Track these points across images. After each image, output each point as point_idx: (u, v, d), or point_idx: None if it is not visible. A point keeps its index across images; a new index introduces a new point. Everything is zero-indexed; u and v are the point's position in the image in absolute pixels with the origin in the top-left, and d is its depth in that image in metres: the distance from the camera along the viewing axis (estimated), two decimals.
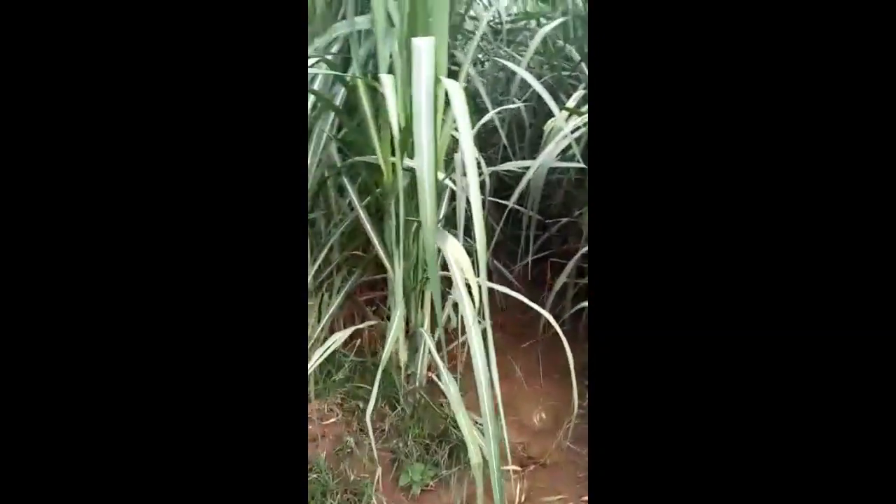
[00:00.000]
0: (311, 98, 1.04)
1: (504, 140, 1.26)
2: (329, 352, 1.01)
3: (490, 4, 1.59)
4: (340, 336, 1.06)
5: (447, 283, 1.19)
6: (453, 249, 0.79)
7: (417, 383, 1.16)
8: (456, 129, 0.78)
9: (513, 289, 1.07)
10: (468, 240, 1.04)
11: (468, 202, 1.01)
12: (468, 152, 0.60)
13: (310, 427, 1.15)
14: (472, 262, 0.84)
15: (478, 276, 0.64)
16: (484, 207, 1.09)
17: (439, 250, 0.81)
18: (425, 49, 0.64)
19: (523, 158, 1.40)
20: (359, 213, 1.14)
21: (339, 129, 1.20)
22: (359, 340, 1.35)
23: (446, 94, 0.77)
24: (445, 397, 1.14)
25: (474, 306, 0.81)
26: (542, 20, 1.48)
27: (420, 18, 0.84)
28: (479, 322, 0.80)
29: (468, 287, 0.83)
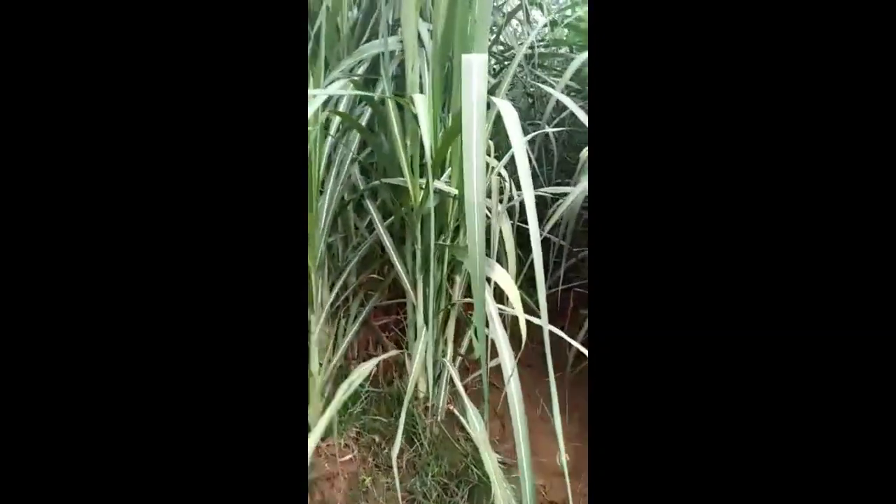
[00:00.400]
0: (336, 119, 1.01)
1: (535, 164, 1.23)
2: (354, 387, 0.95)
3: (520, 30, 1.59)
4: (365, 369, 1.00)
5: (467, 310, 1.14)
6: (502, 279, 0.74)
7: (438, 417, 1.10)
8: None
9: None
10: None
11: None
12: (525, 176, 0.56)
13: (325, 465, 1.08)
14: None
15: (535, 310, 0.59)
16: (513, 234, 1.05)
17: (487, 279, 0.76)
18: (477, 65, 0.60)
19: (555, 184, 1.36)
20: (381, 235, 1.10)
21: (359, 150, 1.17)
22: (374, 369, 1.29)
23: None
24: (462, 431, 1.08)
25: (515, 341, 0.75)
26: (575, 47, 1.48)
27: (457, 38, 0.81)
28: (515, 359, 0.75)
29: (505, 325, 0.78)
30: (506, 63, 1.51)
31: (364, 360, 1.44)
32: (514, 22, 1.57)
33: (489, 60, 1.31)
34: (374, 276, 1.31)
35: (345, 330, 1.26)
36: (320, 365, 1.14)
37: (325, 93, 0.76)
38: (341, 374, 1.23)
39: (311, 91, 0.72)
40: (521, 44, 1.51)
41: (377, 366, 1.29)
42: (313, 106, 0.75)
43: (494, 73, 1.46)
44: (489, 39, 1.18)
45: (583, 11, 1.45)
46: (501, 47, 1.54)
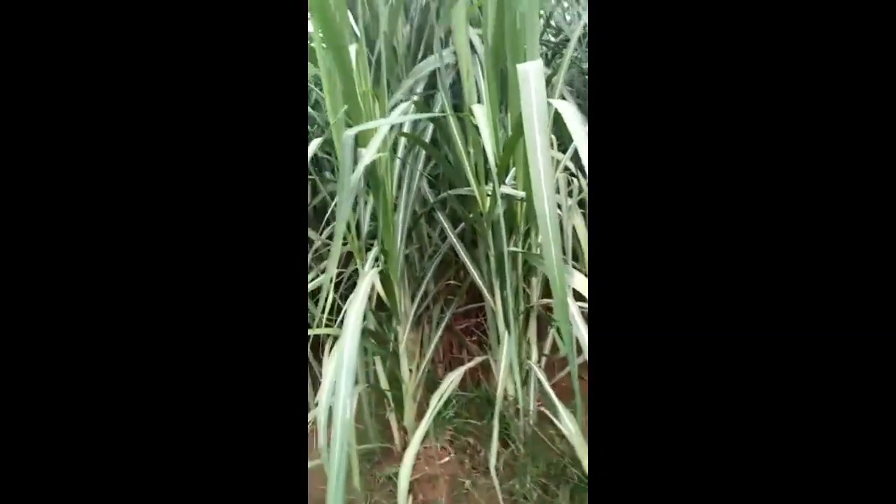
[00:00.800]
0: (402, 140, 1.05)
1: None
2: (448, 394, 0.99)
3: (570, 9, 1.54)
4: (456, 376, 1.04)
5: (546, 310, 1.13)
6: (581, 284, 0.74)
7: (530, 419, 1.11)
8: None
9: None
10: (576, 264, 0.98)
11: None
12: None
13: (426, 468, 1.13)
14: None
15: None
16: (587, 223, 1.03)
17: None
18: (533, 73, 0.61)
19: None
20: (453, 242, 1.12)
21: (425, 164, 1.20)
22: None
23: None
24: (556, 430, 1.08)
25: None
26: None
27: (508, 41, 0.81)
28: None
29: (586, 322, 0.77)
30: (560, 49, 1.47)
31: (449, 364, 1.49)
32: (564, 3, 1.52)
33: (541, 50, 1.29)
34: (452, 281, 1.35)
35: (429, 336, 1.31)
36: (410, 371, 1.19)
37: (388, 122, 0.80)
38: (430, 378, 1.28)
39: (375, 122, 0.76)
40: (571, 25, 1.46)
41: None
42: (380, 135, 0.79)
43: (548, 62, 1.43)
44: (540, 26, 1.15)
45: None
46: (553, 32, 1.50)
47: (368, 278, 0.90)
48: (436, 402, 0.96)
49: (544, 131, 0.58)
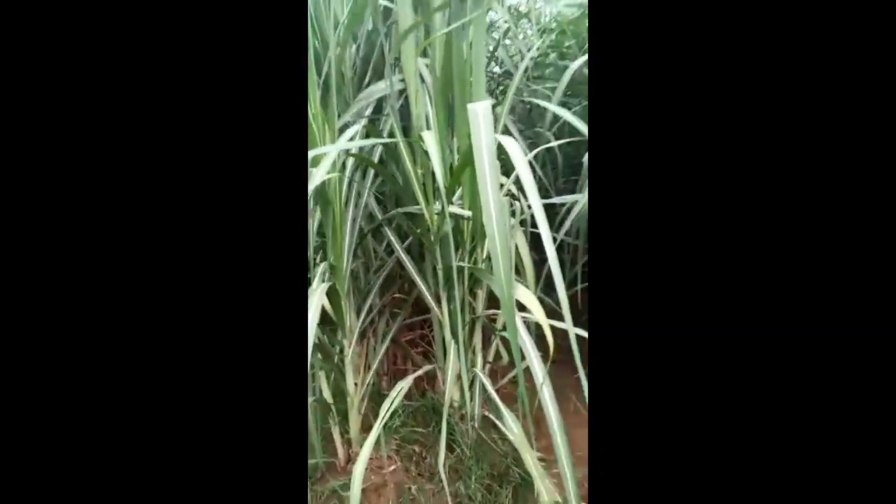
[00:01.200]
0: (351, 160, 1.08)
1: (541, 174, 1.31)
2: (395, 405, 1.02)
3: (511, 47, 1.66)
4: (406, 383, 1.08)
5: (490, 319, 1.21)
6: (525, 297, 0.82)
7: (475, 423, 1.17)
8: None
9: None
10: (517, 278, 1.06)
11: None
12: (538, 210, 0.63)
13: (372, 477, 1.15)
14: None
15: (561, 321, 0.66)
16: (528, 240, 1.12)
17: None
18: (482, 113, 0.68)
19: (558, 190, 1.46)
20: (401, 257, 1.17)
21: (372, 181, 1.24)
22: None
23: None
24: (499, 433, 1.15)
25: (544, 349, 0.82)
26: (565, 52, 1.55)
27: (457, 75, 0.89)
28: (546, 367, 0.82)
29: (529, 331, 0.84)
30: (502, 81, 1.59)
31: (393, 376, 1.52)
32: (506, 40, 1.64)
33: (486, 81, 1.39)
34: (397, 295, 1.39)
35: (375, 348, 1.33)
36: (355, 385, 1.21)
37: (339, 147, 0.84)
38: (374, 390, 1.31)
39: (325, 148, 0.80)
40: (514, 58, 1.59)
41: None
42: (329, 159, 0.83)
43: (491, 92, 1.54)
44: (486, 56, 1.25)
45: (572, 14, 1.52)
46: (497, 67, 1.62)
47: (319, 294, 0.92)
48: (385, 412, 1.00)
49: (493, 163, 0.66)
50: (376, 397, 1.30)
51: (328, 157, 0.84)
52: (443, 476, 0.95)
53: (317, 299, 0.91)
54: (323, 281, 0.99)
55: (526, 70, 1.25)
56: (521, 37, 1.59)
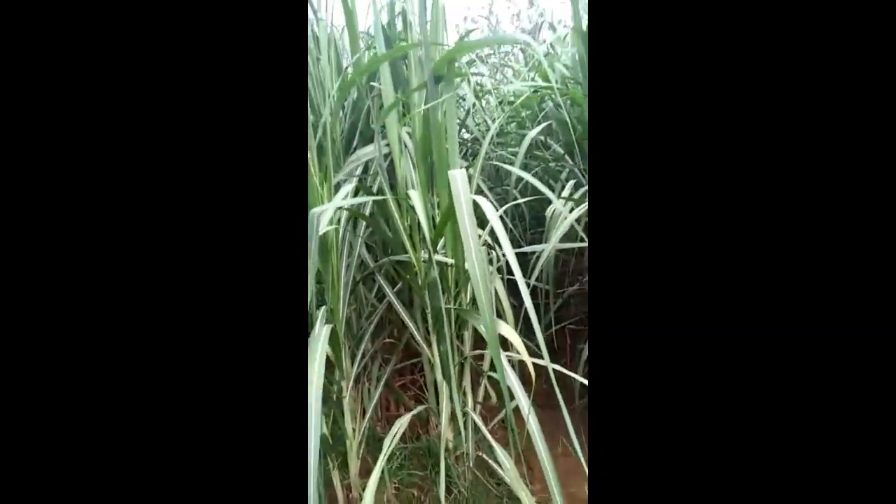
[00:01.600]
0: (346, 214, 1.18)
1: (511, 227, 1.45)
2: (393, 447, 1.06)
3: (477, 116, 1.89)
4: (405, 421, 1.12)
5: (478, 361, 1.27)
6: (507, 332, 0.90)
7: (470, 463, 1.20)
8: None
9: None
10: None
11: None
12: (513, 262, 0.73)
13: None
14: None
15: (540, 358, 0.74)
16: (505, 287, 1.21)
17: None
18: (460, 178, 0.83)
19: (528, 239, 1.63)
20: (392, 301, 1.24)
21: (363, 232, 1.34)
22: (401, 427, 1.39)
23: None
24: (493, 477, 1.18)
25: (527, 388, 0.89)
26: (521, 122, 1.78)
27: (434, 143, 1.01)
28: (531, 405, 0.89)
29: (514, 368, 0.91)
30: (471, 145, 1.81)
31: (387, 421, 1.54)
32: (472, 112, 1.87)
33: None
34: (389, 339, 1.44)
35: (369, 392, 1.37)
36: (353, 430, 1.24)
37: (334, 206, 0.94)
38: (370, 435, 1.33)
39: (322, 207, 0.89)
40: (479, 127, 1.83)
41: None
42: (330, 212, 0.92)
43: (464, 156, 1.75)
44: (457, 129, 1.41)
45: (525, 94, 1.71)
46: (466, 133, 1.83)
47: (324, 335, 0.97)
48: (383, 457, 1.04)
49: (472, 220, 0.79)
50: (372, 441, 1.32)
51: (327, 212, 0.93)
52: None
53: (322, 341, 0.95)
54: (325, 324, 1.05)
55: (491, 138, 1.44)
56: (485, 108, 1.82)
